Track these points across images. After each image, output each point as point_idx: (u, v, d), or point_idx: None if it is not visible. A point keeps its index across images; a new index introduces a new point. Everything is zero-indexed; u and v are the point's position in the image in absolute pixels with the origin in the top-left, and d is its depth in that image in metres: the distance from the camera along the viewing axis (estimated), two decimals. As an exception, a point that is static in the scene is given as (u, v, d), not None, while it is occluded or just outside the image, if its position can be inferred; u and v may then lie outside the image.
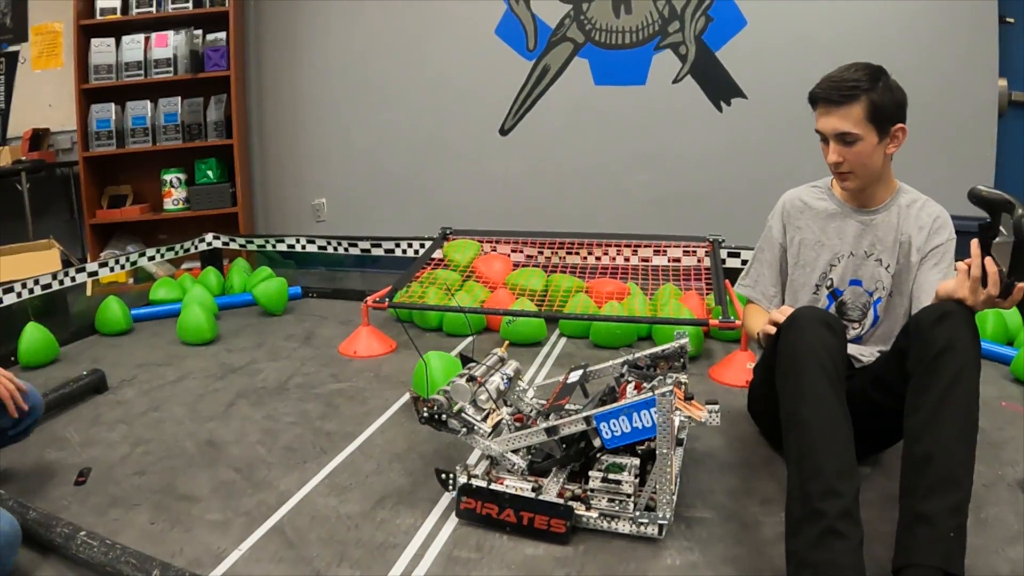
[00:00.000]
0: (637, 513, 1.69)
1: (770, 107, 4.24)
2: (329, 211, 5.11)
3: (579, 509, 1.73)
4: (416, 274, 3.54)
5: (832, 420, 1.53)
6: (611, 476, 1.71)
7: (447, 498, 1.90)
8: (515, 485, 1.77)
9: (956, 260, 1.67)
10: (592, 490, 1.73)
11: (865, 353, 2.05)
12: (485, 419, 1.85)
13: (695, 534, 1.75)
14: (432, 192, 4.79)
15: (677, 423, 1.64)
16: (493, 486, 1.78)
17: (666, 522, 1.68)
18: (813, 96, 1.94)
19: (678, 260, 3.67)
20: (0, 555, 1.51)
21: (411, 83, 4.73)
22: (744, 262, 3.86)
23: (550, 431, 1.75)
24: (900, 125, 1.90)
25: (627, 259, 3.74)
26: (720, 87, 4.36)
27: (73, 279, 3.62)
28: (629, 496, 1.70)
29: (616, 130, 4.52)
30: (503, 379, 1.94)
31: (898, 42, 4.00)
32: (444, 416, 1.81)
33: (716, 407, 1.78)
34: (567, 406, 1.94)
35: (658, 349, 2.03)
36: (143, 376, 2.89)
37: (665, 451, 1.62)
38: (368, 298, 3.22)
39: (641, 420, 1.64)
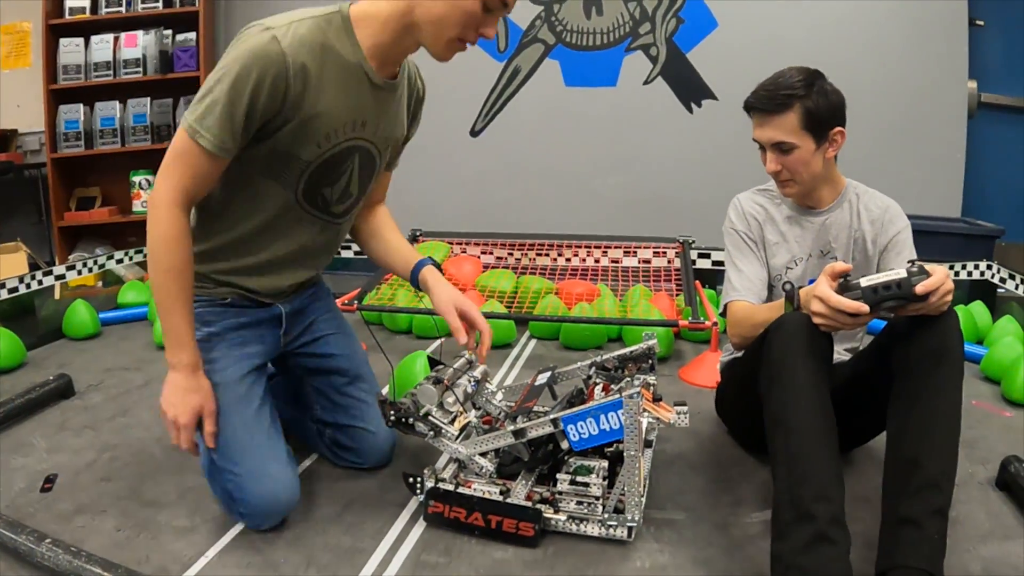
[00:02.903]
0: (606, 516, 1.70)
1: (740, 109, 4.06)
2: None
3: (547, 512, 1.72)
4: (385, 276, 3.54)
5: (822, 426, 1.53)
6: (579, 478, 1.71)
7: (415, 502, 1.89)
8: (483, 488, 1.76)
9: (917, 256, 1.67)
10: (560, 493, 1.73)
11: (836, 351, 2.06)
12: (452, 422, 1.84)
13: (665, 536, 1.75)
14: (402, 194, 4.54)
15: (645, 425, 1.64)
16: (461, 489, 1.77)
17: (635, 524, 1.68)
18: (748, 105, 1.96)
19: (648, 261, 3.69)
20: None
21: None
22: (716, 263, 3.96)
23: (517, 433, 1.75)
24: (838, 128, 1.91)
25: (597, 260, 3.75)
26: (691, 88, 4.38)
27: (40, 282, 3.58)
28: (597, 498, 1.71)
29: (587, 131, 4.52)
30: (471, 382, 1.94)
31: (868, 44, 4.02)
32: (411, 419, 1.80)
33: (685, 409, 1.78)
34: (535, 408, 1.93)
35: (626, 350, 2.04)
36: (110, 381, 2.86)
37: (633, 453, 1.62)
38: (336, 300, 3.20)
39: (608, 422, 1.65)
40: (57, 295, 4.13)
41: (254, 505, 1.73)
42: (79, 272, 3.87)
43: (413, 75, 1.92)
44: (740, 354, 2.08)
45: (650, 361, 2.02)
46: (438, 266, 1.94)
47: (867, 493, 1.85)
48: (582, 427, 1.68)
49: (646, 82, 4.42)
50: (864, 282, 1.55)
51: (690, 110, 4.41)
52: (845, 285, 1.58)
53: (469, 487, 1.78)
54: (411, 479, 1.86)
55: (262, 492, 1.72)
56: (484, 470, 1.80)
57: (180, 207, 1.59)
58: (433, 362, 2.03)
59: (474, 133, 4.66)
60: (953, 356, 1.56)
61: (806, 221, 2.05)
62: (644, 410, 1.63)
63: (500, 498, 1.73)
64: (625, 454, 1.63)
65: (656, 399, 1.80)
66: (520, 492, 1.76)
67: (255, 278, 1.85)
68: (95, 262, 4.01)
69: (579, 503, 1.72)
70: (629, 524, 1.68)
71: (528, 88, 4.55)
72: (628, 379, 1.90)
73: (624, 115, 4.46)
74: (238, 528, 1.80)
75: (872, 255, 2.02)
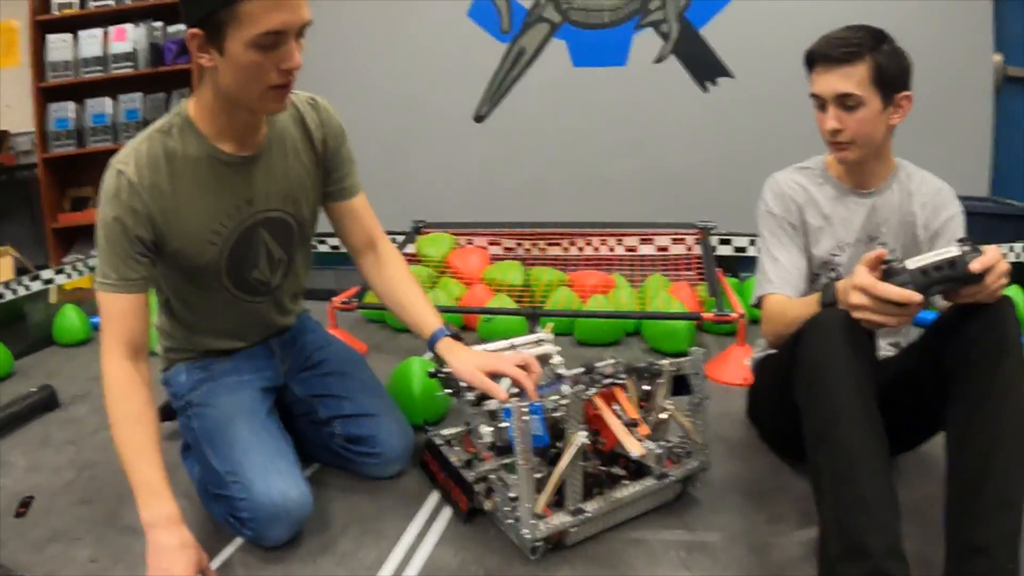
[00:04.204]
0: (518, 524, 1.56)
1: (757, 85, 4.06)
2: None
3: (481, 496, 1.67)
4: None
5: (871, 441, 1.34)
6: (500, 476, 1.63)
7: (415, 528, 1.74)
8: (458, 452, 1.82)
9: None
10: (491, 482, 1.66)
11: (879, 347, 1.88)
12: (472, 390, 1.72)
13: (697, 561, 1.58)
14: (404, 184, 4.57)
15: (579, 441, 1.49)
16: (443, 447, 1.84)
17: (538, 545, 1.54)
18: (811, 54, 1.77)
19: (666, 249, 3.52)
20: None
21: (379, 71, 4.53)
22: (738, 249, 3.82)
23: (479, 402, 1.68)
24: (905, 93, 1.74)
25: (612, 249, 3.59)
26: (705, 66, 4.17)
27: (27, 287, 3.43)
28: (514, 500, 1.57)
29: (597, 114, 4.33)
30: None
31: (888, 17, 3.64)
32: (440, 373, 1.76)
33: (656, 448, 1.63)
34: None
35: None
36: (97, 390, 2.63)
37: (522, 463, 1.47)
38: (335, 299, 3.04)
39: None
40: (53, 299, 3.98)
41: (261, 506, 1.59)
42: (69, 276, 3.72)
43: (305, 118, 1.79)
44: (772, 350, 1.92)
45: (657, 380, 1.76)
46: (457, 336, 1.79)
47: (917, 503, 1.66)
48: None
49: (657, 60, 4.22)
50: (911, 264, 1.37)
51: (704, 89, 4.20)
52: (889, 271, 1.39)
53: (471, 451, 1.81)
54: (427, 427, 2.00)
55: (269, 490, 1.60)
56: (483, 440, 1.67)
57: (123, 357, 1.57)
58: (436, 372, 1.85)
59: (479, 119, 4.48)
60: (1015, 349, 1.37)
61: (853, 202, 1.89)
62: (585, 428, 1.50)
63: (457, 465, 1.75)
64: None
65: (630, 424, 1.60)
66: (484, 468, 1.72)
67: (232, 342, 1.90)
68: (86, 264, 3.85)
69: (505, 502, 1.61)
70: (529, 543, 1.53)
71: (534, 70, 4.36)
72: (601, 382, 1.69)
73: (635, 96, 4.26)
74: (223, 557, 1.66)
75: (923, 241, 1.85)
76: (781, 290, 1.85)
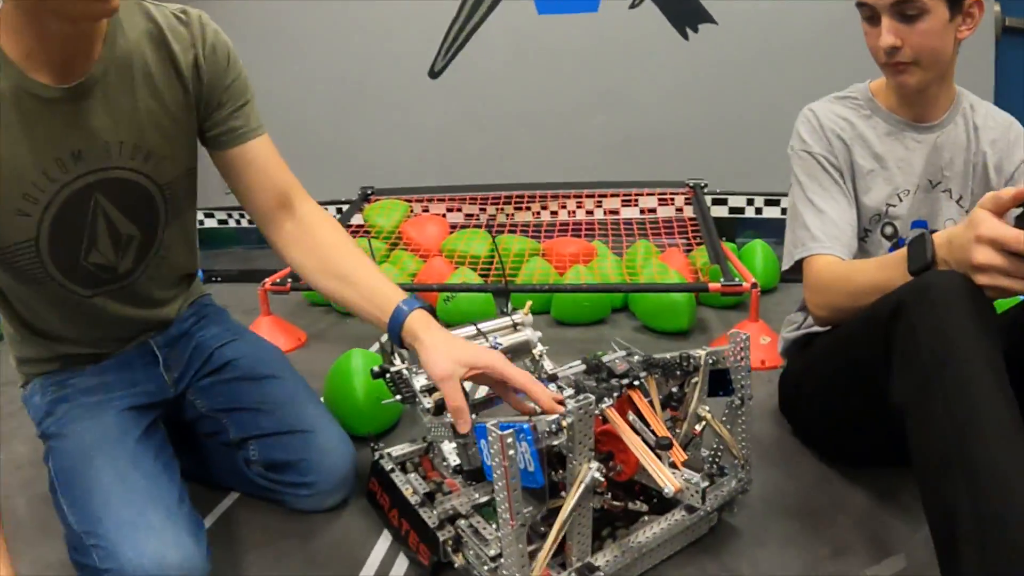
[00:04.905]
0: None
1: (744, 32, 3.70)
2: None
3: (448, 546, 1.20)
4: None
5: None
6: (475, 522, 1.20)
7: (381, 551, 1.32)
8: (414, 483, 1.34)
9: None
10: (461, 531, 1.21)
11: None
12: (432, 392, 1.28)
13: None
14: (350, 148, 4.14)
15: (590, 477, 1.01)
16: (396, 475, 1.38)
17: None
18: None
19: (653, 211, 3.10)
20: None
21: (324, 25, 4.09)
22: (733, 210, 3.44)
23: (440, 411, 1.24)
24: None
25: (590, 212, 3.18)
26: (685, 12, 3.80)
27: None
28: (493, 559, 1.13)
29: (566, 66, 3.95)
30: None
31: None
32: (388, 372, 1.31)
33: (697, 479, 1.10)
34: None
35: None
36: None
37: (502, 500, 1.00)
38: (266, 280, 2.54)
39: (488, 452, 1.01)
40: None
41: None
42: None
43: (168, 36, 1.24)
44: (816, 328, 1.56)
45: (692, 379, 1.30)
46: (431, 310, 1.24)
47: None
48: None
49: (632, 6, 3.84)
50: None
51: (685, 36, 3.83)
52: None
53: (433, 477, 1.38)
54: (375, 443, 1.49)
55: (140, 557, 1.12)
56: (447, 463, 1.25)
57: None
58: (382, 371, 1.38)
59: (433, 73, 4.08)
60: None
61: (912, 139, 1.53)
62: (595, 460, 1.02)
63: (414, 502, 1.29)
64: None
65: (663, 445, 1.12)
66: (455, 503, 1.27)
67: (89, 348, 1.40)
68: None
69: (477, 553, 1.17)
70: None
71: (495, 18, 3.97)
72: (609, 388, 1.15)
73: (608, 45, 3.90)
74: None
75: (996, 186, 1.53)
76: (831, 250, 1.46)
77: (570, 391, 1.05)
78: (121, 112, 1.19)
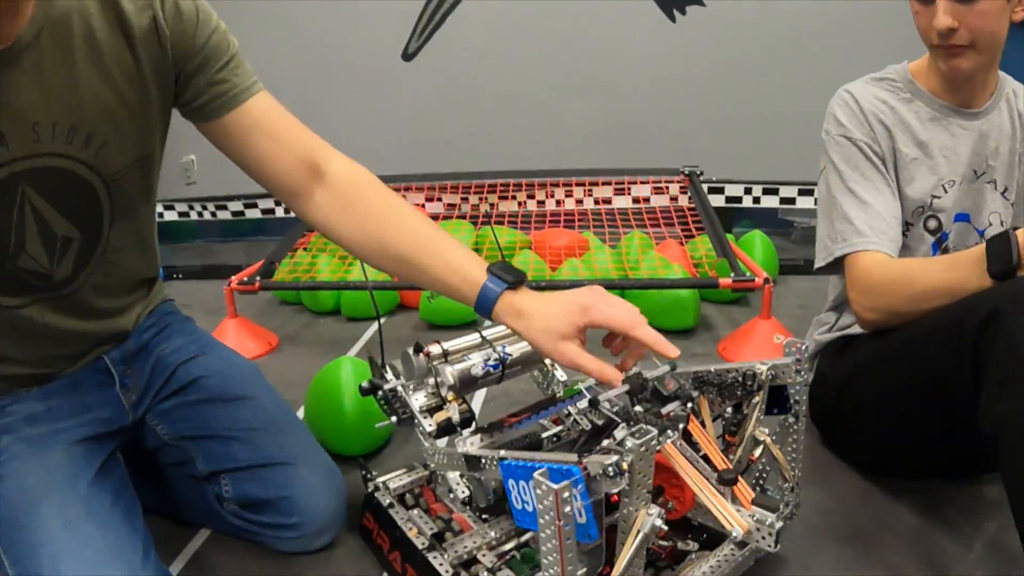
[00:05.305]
0: None
1: (734, 14, 3.61)
2: (200, 170, 4.15)
3: None
4: (300, 240, 2.72)
5: None
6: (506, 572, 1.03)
7: None
8: (418, 521, 1.17)
9: None
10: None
11: None
12: (432, 412, 1.11)
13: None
14: (322, 134, 3.70)
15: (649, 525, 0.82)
16: (395, 511, 1.20)
17: None
18: None
19: (646, 200, 2.95)
20: None
21: (293, 5, 3.90)
22: (730, 199, 3.31)
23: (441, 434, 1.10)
24: None
25: (580, 202, 3.03)
26: (672, -8, 3.73)
27: None
28: None
29: (548, 48, 3.82)
30: (487, 363, 1.12)
31: None
32: (380, 390, 1.15)
33: (775, 521, 0.97)
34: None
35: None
36: None
37: (553, 570, 0.81)
38: (232, 278, 2.33)
39: (522, 496, 0.85)
40: None
41: None
42: None
43: None
44: (853, 330, 1.43)
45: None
46: (523, 280, 1.05)
47: None
48: (525, 491, 0.86)
49: None
50: None
51: (672, 19, 3.72)
52: None
53: (438, 510, 1.20)
54: (366, 470, 1.30)
55: None
56: (452, 494, 1.13)
57: None
58: (374, 362, 1.22)
59: (407, 56, 3.91)
60: None
61: (957, 126, 1.42)
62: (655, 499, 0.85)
63: (420, 545, 1.12)
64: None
65: (728, 480, 0.96)
66: (469, 545, 1.11)
67: (29, 368, 1.17)
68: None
69: None
70: None
71: None
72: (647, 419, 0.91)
73: (593, 27, 3.77)
74: None
75: None
76: (878, 246, 1.33)
77: (621, 424, 0.85)
78: (55, 86, 0.97)
